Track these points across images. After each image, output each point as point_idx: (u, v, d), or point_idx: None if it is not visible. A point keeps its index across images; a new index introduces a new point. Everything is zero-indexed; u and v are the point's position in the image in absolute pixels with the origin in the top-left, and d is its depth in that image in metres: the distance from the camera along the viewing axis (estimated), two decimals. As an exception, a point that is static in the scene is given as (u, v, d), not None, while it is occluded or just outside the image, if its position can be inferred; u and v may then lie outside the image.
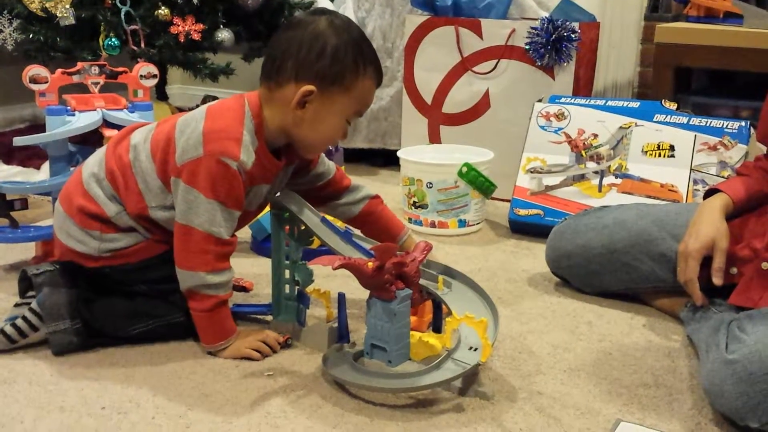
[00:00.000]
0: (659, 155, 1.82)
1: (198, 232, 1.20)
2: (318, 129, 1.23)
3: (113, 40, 2.22)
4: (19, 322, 1.24)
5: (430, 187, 1.86)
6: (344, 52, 1.19)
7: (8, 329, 1.24)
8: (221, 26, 2.36)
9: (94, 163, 1.30)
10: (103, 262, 1.27)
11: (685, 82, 2.37)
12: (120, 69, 1.71)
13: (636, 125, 1.86)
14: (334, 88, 1.20)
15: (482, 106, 2.18)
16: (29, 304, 1.28)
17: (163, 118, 1.32)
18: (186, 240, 1.21)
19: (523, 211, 1.87)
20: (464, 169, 1.84)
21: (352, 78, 1.20)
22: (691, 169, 1.79)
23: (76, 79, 1.67)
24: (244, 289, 1.51)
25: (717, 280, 1.29)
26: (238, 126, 1.20)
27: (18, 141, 1.54)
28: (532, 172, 1.89)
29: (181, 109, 2.61)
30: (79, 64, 1.68)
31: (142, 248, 1.27)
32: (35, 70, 1.62)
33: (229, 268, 1.24)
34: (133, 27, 2.25)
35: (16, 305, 1.31)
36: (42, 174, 2.24)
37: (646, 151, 1.83)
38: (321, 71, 1.18)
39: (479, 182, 1.85)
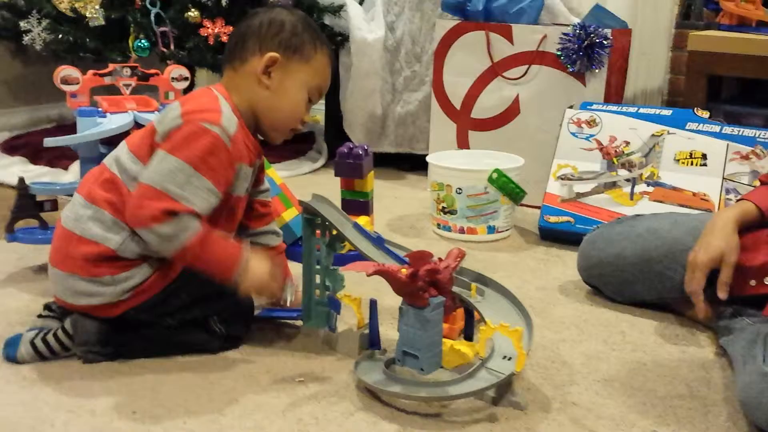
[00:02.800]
0: (691, 164, 1.80)
1: (149, 187, 1.14)
2: (282, 101, 1.26)
3: (143, 41, 2.23)
4: (51, 339, 1.22)
5: (460, 193, 1.85)
6: (301, 28, 1.27)
7: (39, 344, 1.22)
8: (250, 29, 2.36)
9: (72, 210, 1.24)
10: (124, 306, 1.21)
11: (715, 90, 2.34)
12: (151, 71, 1.72)
13: (668, 133, 1.83)
14: (295, 58, 1.25)
15: (512, 111, 2.16)
16: (52, 315, 1.28)
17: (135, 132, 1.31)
18: (136, 195, 1.16)
19: (553, 218, 1.85)
20: (494, 175, 1.82)
21: (310, 50, 1.27)
22: (723, 178, 1.77)
23: (107, 80, 1.68)
24: (272, 293, 1.50)
25: (722, 294, 1.29)
26: (211, 98, 1.22)
27: (49, 142, 1.54)
28: (563, 179, 1.87)
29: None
30: (111, 66, 1.69)
31: (157, 278, 1.22)
32: (67, 70, 1.62)
33: (176, 220, 1.14)
34: (162, 29, 2.26)
35: (40, 316, 1.29)
36: (70, 175, 2.25)
37: (678, 160, 1.81)
38: (283, 41, 1.25)
39: (509, 188, 1.84)
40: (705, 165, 1.79)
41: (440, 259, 1.17)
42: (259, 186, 1.39)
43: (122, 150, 1.24)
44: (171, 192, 1.15)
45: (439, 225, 1.91)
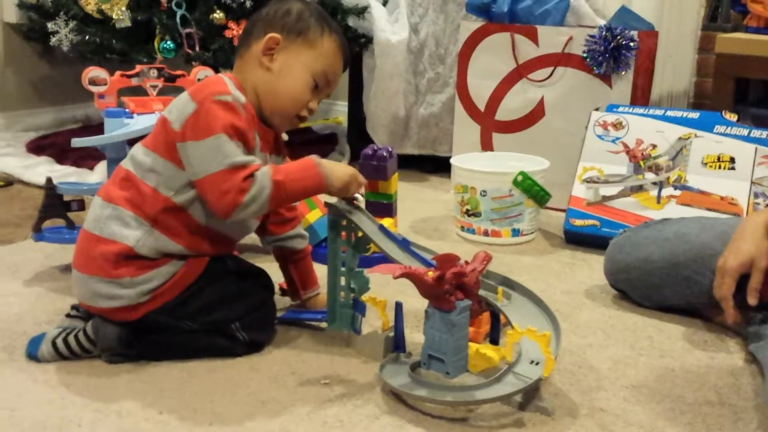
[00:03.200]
0: (719, 167, 1.78)
1: (214, 176, 1.15)
2: (283, 83, 1.25)
3: (168, 43, 2.24)
4: (72, 341, 1.23)
5: (484, 196, 1.84)
6: (308, 14, 1.27)
7: (60, 345, 1.22)
8: (274, 31, 2.36)
9: (90, 213, 1.25)
10: (144, 309, 1.21)
11: (743, 93, 2.31)
12: (178, 72, 1.73)
13: (696, 136, 1.81)
14: (298, 41, 1.25)
15: (537, 114, 2.15)
16: (80, 316, 1.29)
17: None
18: (209, 191, 1.17)
19: (578, 222, 1.83)
20: (519, 178, 1.81)
21: (316, 34, 1.26)
22: (751, 182, 1.74)
23: (134, 81, 1.69)
24: (297, 294, 1.50)
25: (752, 299, 1.27)
26: (218, 82, 1.22)
27: (76, 142, 1.55)
28: (588, 182, 1.85)
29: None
30: (138, 67, 1.70)
31: (177, 281, 1.22)
32: (95, 71, 1.63)
33: (252, 175, 1.16)
34: (188, 30, 2.27)
35: (68, 316, 1.30)
36: (95, 175, 2.27)
37: (706, 163, 1.79)
38: (287, 25, 1.25)
39: (534, 191, 1.82)
40: (733, 168, 1.76)
41: (467, 262, 1.16)
42: None
43: (136, 147, 1.25)
44: (230, 164, 1.15)
45: (462, 228, 1.91)
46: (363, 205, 1.29)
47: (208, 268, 1.24)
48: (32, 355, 1.23)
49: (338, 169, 1.23)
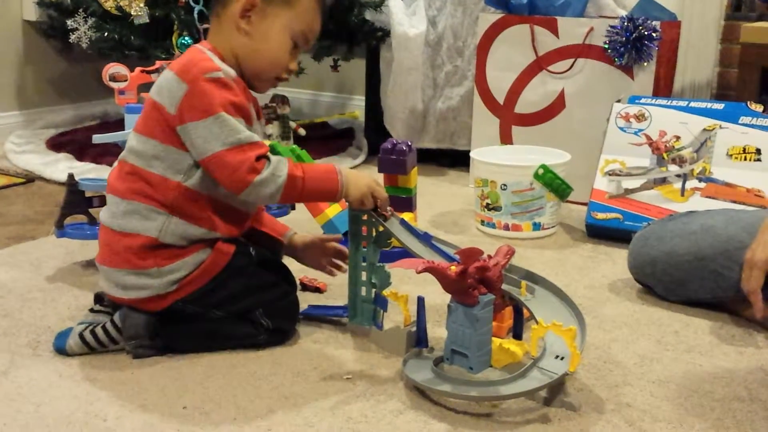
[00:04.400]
0: (745, 159, 1.75)
1: (221, 153, 1.15)
2: (263, 46, 1.22)
3: (186, 38, 2.24)
4: (99, 331, 1.23)
5: (505, 189, 1.82)
6: None
7: (88, 336, 1.23)
8: (292, 25, 2.36)
9: (106, 210, 1.25)
10: (171, 298, 1.22)
11: (766, 83, 2.27)
12: (197, 67, 1.72)
13: (720, 127, 1.79)
14: (276, 1, 1.22)
15: (557, 106, 2.13)
16: (103, 310, 1.29)
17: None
18: (218, 170, 1.17)
19: (601, 215, 1.81)
20: (540, 171, 1.79)
21: None
22: (778, 174, 1.71)
23: (154, 77, 1.68)
24: (318, 290, 1.50)
25: None
26: (202, 54, 1.20)
27: (97, 138, 1.56)
28: (611, 175, 1.83)
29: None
30: (158, 63, 1.70)
31: (204, 270, 1.23)
32: (115, 68, 1.64)
33: (267, 159, 1.17)
34: (206, 26, 2.25)
35: (92, 311, 1.31)
36: (115, 171, 2.27)
37: (731, 155, 1.76)
38: None
39: (556, 185, 1.81)
40: (759, 160, 1.74)
41: (489, 256, 1.15)
42: None
43: (131, 138, 1.25)
44: (235, 141, 1.15)
45: (483, 222, 1.89)
46: (390, 217, 1.27)
47: (234, 258, 1.25)
48: (60, 349, 1.24)
49: (359, 180, 1.23)
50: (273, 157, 1.18)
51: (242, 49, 1.23)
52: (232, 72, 1.20)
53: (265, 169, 1.16)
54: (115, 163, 1.28)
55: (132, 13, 2.29)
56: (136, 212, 1.21)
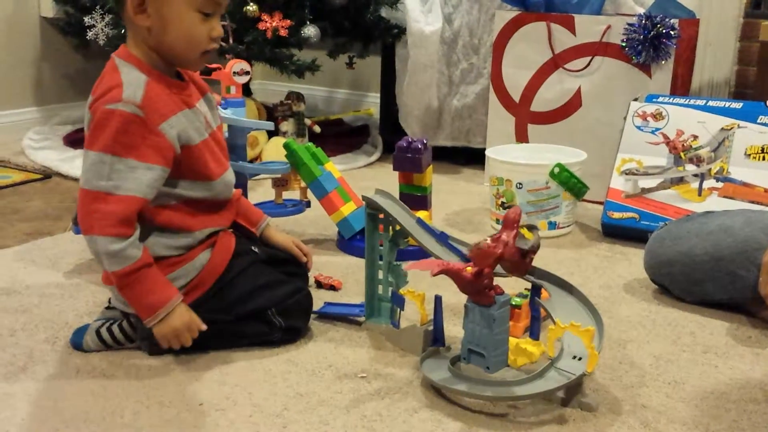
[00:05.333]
0: (763, 159, 1.74)
1: (82, 190, 1.12)
2: (171, 33, 1.15)
3: (203, 35, 2.24)
4: (116, 329, 1.24)
5: (520, 188, 1.82)
6: None
7: (104, 334, 1.24)
8: (308, 22, 2.36)
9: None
10: None
11: (787, 81, 2.25)
12: (213, 66, 1.73)
13: (738, 127, 1.77)
14: None
15: (573, 104, 2.12)
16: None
17: None
18: (79, 204, 1.14)
19: (617, 214, 1.80)
20: (556, 170, 1.79)
21: None
22: (797, 174, 1.70)
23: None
24: (333, 287, 1.50)
25: None
26: (114, 77, 1.15)
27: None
28: (627, 174, 1.82)
29: (265, 106, 2.63)
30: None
31: (205, 274, 1.22)
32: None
33: (131, 234, 1.13)
34: (222, 23, 2.27)
35: (108, 308, 1.31)
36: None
37: (750, 154, 1.75)
38: None
39: (572, 183, 1.80)
40: (777, 160, 1.72)
41: (495, 237, 1.11)
42: None
43: None
44: (101, 187, 1.12)
45: (498, 220, 1.89)
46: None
47: (238, 258, 1.25)
48: (77, 345, 1.25)
49: (176, 320, 1.16)
50: (132, 239, 1.13)
51: (154, 42, 1.16)
52: (139, 94, 1.13)
53: (123, 241, 1.12)
54: None
55: (149, 10, 2.29)
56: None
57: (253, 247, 1.30)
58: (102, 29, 2.37)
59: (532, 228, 1.18)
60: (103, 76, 1.18)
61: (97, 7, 2.40)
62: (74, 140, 2.60)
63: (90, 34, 2.38)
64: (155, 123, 1.14)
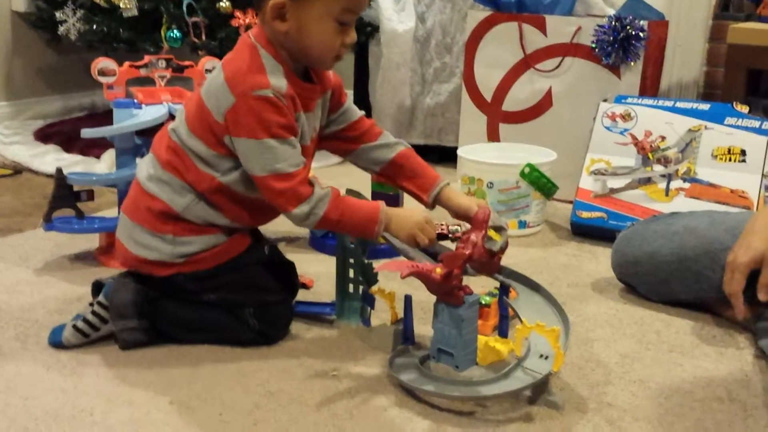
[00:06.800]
0: (730, 160, 1.77)
1: (266, 178, 1.17)
2: (309, 40, 1.18)
3: (175, 32, 2.24)
4: (89, 316, 1.25)
5: (491, 187, 1.84)
6: None
7: (80, 324, 1.25)
8: (281, 19, 2.35)
9: (146, 166, 1.27)
10: (176, 269, 1.24)
11: (755, 84, 2.29)
12: (186, 63, 1.72)
13: (706, 128, 1.80)
14: None
15: (544, 104, 2.14)
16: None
17: (188, 96, 1.32)
18: (262, 190, 1.19)
19: (585, 214, 1.83)
20: (527, 170, 1.81)
21: None
22: (762, 175, 1.73)
23: (143, 72, 1.69)
24: (304, 286, 1.50)
25: (762, 295, 1.27)
26: (255, 59, 1.18)
27: (86, 133, 1.55)
28: (596, 174, 1.85)
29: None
30: (146, 58, 1.69)
31: (214, 254, 1.25)
32: (104, 62, 1.63)
33: (311, 192, 1.18)
34: (194, 19, 2.26)
35: (91, 304, 1.30)
36: (102, 163, 2.27)
37: (716, 156, 1.78)
38: None
39: (541, 183, 1.82)
40: (744, 161, 1.75)
41: (464, 238, 1.14)
42: (346, 103, 1.33)
43: (180, 121, 1.24)
44: (279, 170, 1.16)
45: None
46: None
47: (247, 252, 1.27)
48: (57, 343, 1.25)
49: (404, 221, 1.21)
50: (316, 192, 1.18)
51: (290, 45, 1.19)
52: (282, 85, 1.17)
53: (306, 203, 1.18)
54: (164, 127, 1.28)
55: (121, 6, 2.28)
56: (169, 184, 1.23)
57: (263, 246, 1.32)
58: (74, 24, 2.35)
59: (499, 229, 1.20)
60: (241, 53, 1.20)
61: (69, 2, 2.37)
62: (45, 135, 2.58)
63: (62, 29, 2.36)
64: (294, 109, 1.19)
